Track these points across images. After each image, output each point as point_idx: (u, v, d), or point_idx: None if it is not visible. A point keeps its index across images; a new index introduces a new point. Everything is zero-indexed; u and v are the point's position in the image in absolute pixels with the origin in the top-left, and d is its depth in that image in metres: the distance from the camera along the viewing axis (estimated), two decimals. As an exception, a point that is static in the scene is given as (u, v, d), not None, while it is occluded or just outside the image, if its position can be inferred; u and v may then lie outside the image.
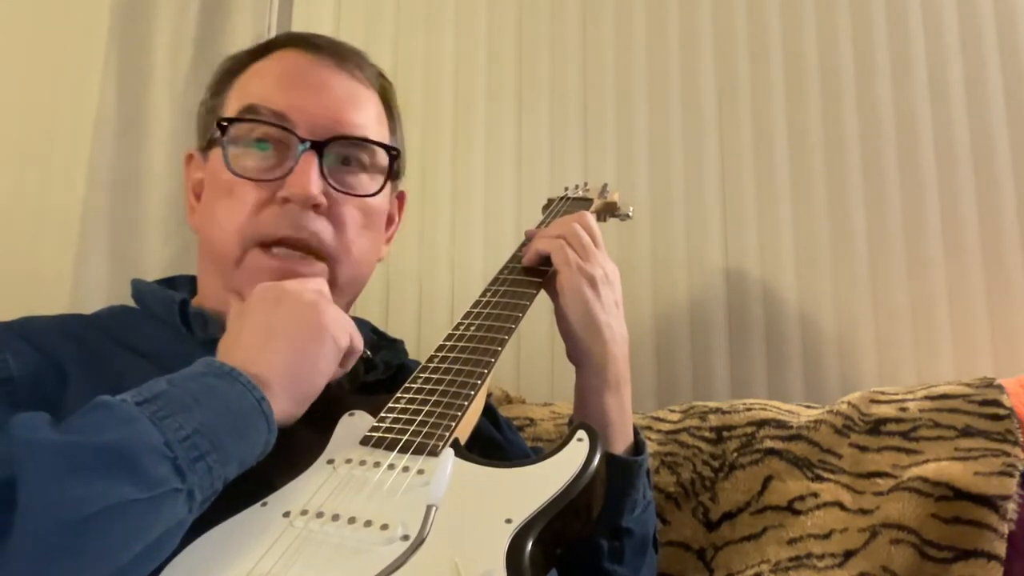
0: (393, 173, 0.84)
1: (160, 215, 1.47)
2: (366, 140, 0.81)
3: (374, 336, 0.92)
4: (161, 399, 0.53)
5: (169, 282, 0.88)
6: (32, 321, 0.74)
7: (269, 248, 0.76)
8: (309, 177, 0.74)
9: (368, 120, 0.82)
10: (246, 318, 0.65)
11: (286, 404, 0.61)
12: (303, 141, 0.76)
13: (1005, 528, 0.86)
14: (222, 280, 0.79)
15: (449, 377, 0.68)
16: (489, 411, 0.87)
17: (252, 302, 0.67)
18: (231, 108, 0.80)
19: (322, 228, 0.77)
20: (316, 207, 0.76)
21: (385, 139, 0.84)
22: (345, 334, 0.67)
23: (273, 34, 1.54)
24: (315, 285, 0.70)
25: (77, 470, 0.47)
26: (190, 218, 0.86)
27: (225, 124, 0.77)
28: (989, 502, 0.87)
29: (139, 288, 0.83)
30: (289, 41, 0.84)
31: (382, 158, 0.82)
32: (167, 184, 1.47)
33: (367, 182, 0.81)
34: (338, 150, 0.79)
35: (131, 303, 0.83)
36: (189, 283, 0.88)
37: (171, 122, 1.49)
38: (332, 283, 0.77)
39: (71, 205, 1.45)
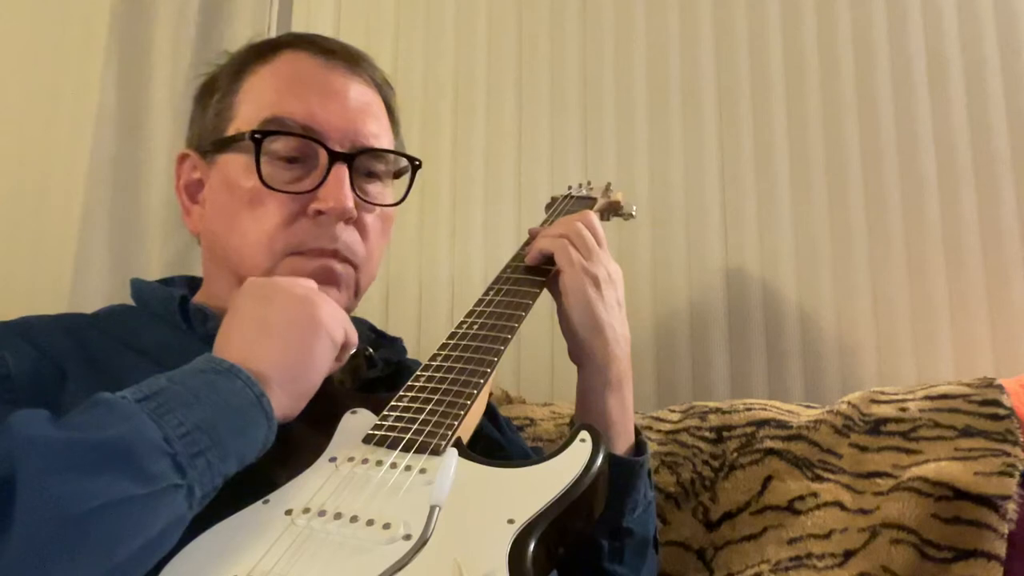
0: (413, 181, 0.85)
1: (160, 215, 1.47)
2: (396, 153, 0.82)
3: (372, 335, 0.92)
4: (161, 396, 0.53)
5: (166, 283, 0.87)
6: (31, 320, 0.74)
7: (304, 255, 0.76)
8: (344, 191, 0.75)
9: (382, 129, 0.83)
10: (237, 313, 0.64)
11: (285, 400, 0.60)
12: (332, 153, 0.76)
13: (1005, 528, 0.86)
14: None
15: (452, 376, 0.68)
16: (489, 411, 0.87)
17: (242, 297, 0.66)
18: (247, 115, 0.79)
19: (353, 239, 0.78)
20: (348, 219, 0.77)
21: (392, 145, 0.85)
22: (340, 328, 0.66)
23: (273, 34, 1.54)
24: (305, 282, 0.69)
25: (76, 466, 0.47)
26: (187, 221, 0.85)
27: (259, 137, 0.75)
28: (989, 502, 0.87)
29: (138, 287, 0.83)
30: (296, 42, 0.83)
31: (395, 165, 0.84)
32: (167, 184, 1.47)
33: (383, 190, 0.83)
34: (363, 161, 0.79)
35: (131, 303, 0.83)
36: (187, 283, 0.87)
37: (171, 122, 1.49)
38: (355, 289, 0.80)
39: (71, 205, 1.45)
